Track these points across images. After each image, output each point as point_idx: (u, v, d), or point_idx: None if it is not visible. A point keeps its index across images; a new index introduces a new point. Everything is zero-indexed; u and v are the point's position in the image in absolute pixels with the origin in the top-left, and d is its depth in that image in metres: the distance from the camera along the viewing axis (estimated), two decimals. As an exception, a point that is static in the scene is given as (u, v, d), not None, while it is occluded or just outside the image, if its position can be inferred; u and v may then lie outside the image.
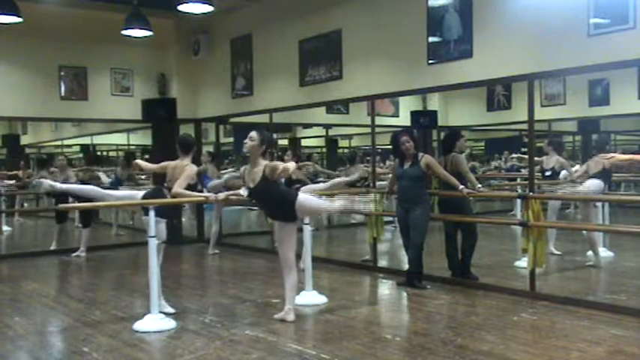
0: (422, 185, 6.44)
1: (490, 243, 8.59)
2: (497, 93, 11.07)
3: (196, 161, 6.40)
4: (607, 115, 10.34)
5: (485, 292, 6.15)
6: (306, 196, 5.32)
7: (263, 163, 5.04)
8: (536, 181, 6.55)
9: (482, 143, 14.71)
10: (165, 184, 5.52)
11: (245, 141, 5.08)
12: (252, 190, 5.12)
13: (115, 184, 11.22)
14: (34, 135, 15.52)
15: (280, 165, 5.08)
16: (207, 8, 7.62)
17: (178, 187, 5.31)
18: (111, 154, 15.93)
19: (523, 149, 10.61)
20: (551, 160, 8.05)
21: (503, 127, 11.91)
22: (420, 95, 11.09)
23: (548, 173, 7.96)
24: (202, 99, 10.31)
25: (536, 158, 7.04)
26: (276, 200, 5.16)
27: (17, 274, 7.94)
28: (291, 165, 5.25)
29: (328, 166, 13.10)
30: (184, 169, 5.43)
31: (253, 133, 5.06)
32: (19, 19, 7.75)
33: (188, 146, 5.64)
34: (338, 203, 5.59)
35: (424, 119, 11.51)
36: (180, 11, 7.87)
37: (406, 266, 6.63)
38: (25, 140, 15.38)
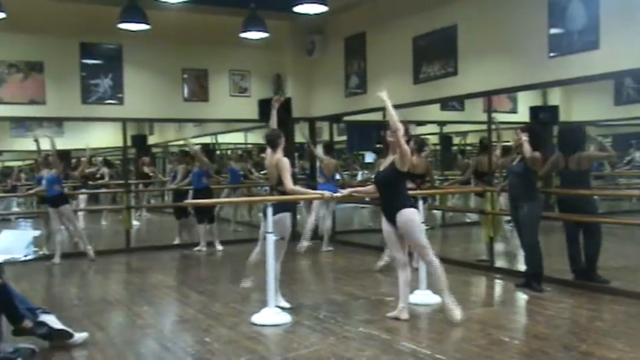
0: (528, 182, 6.17)
1: (617, 245, 8.05)
2: (626, 85, 10.37)
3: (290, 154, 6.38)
4: None
5: (612, 296, 5.79)
6: (414, 214, 5.08)
7: None
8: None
9: (610, 139, 13.85)
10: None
11: (389, 138, 5.12)
12: (377, 172, 5.22)
13: (236, 179, 11.64)
14: (159, 135, 16.43)
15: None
16: (322, 8, 7.71)
17: (290, 184, 5.39)
18: (229, 152, 16.55)
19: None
20: None
21: (633, 121, 11.15)
22: (540, 90, 10.61)
23: None
24: (316, 98, 10.47)
25: None
26: (391, 191, 5.12)
27: (145, 266, 8.48)
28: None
29: (442, 163, 12.88)
30: (278, 163, 5.45)
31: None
32: (148, 27, 8.24)
33: (272, 141, 5.58)
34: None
35: (544, 115, 10.99)
36: (295, 12, 8.01)
37: (524, 267, 6.38)
38: (151, 140, 16.33)
